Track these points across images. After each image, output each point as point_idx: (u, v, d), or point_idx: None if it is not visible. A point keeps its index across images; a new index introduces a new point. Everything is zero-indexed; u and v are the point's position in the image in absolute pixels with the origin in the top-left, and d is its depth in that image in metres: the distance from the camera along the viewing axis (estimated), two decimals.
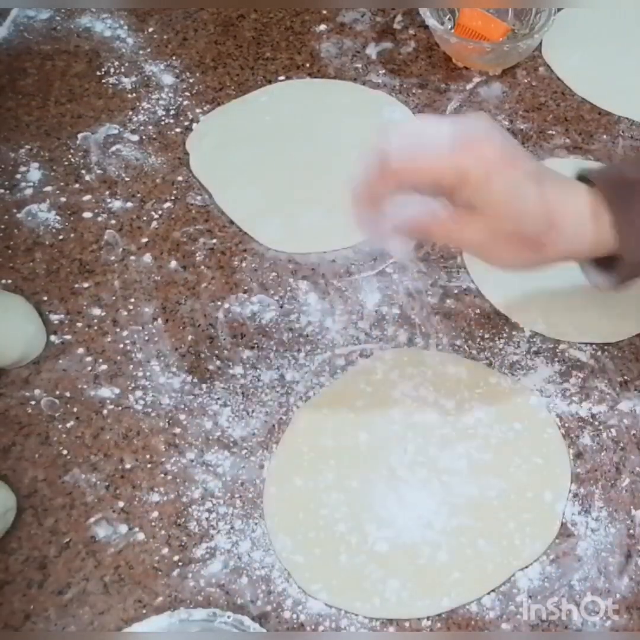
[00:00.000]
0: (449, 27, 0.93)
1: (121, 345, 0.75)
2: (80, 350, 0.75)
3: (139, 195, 0.85)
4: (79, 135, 0.89)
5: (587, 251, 0.60)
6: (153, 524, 0.67)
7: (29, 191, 0.85)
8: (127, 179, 0.86)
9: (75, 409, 0.72)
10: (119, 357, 0.75)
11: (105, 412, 0.72)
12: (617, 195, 0.58)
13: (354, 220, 0.60)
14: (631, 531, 0.66)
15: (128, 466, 0.69)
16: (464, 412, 0.70)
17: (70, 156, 0.87)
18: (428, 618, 0.62)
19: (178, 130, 0.89)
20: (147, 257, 0.81)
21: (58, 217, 0.83)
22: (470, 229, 0.58)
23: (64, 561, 0.65)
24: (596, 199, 0.58)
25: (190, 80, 0.93)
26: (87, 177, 0.86)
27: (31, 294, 0.78)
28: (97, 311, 0.77)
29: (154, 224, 0.83)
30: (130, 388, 0.73)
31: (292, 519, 0.66)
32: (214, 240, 0.82)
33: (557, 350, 0.74)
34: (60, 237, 0.82)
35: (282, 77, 0.93)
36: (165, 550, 0.65)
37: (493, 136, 0.56)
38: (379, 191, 0.58)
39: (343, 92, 0.92)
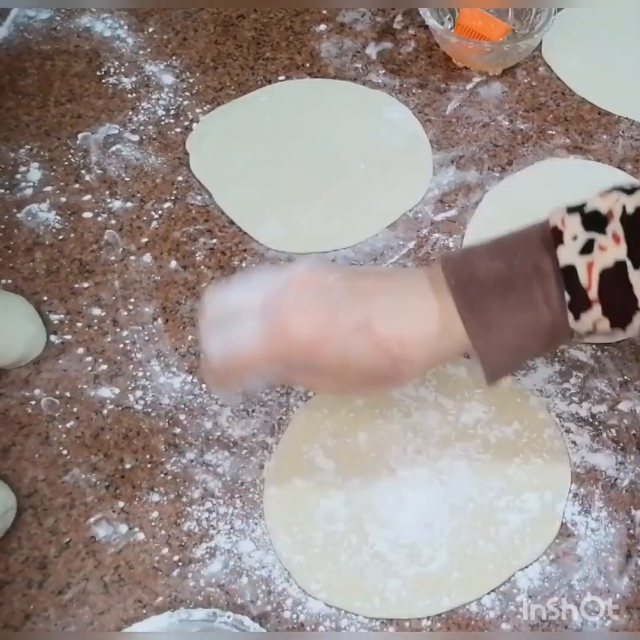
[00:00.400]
0: (449, 27, 0.93)
1: (121, 345, 0.75)
2: (80, 350, 0.75)
3: (139, 195, 0.85)
4: (79, 135, 0.89)
5: (446, 361, 0.59)
6: (153, 524, 0.67)
7: (29, 191, 0.85)
8: (127, 179, 0.86)
9: (75, 409, 0.72)
10: (119, 357, 0.75)
11: (105, 412, 0.72)
12: (466, 302, 0.54)
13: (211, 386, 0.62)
14: (631, 531, 0.66)
15: (128, 466, 0.69)
16: (464, 412, 0.70)
17: (70, 156, 0.87)
18: (428, 618, 0.62)
19: (178, 130, 0.89)
20: (147, 257, 0.81)
21: (58, 217, 0.83)
22: (322, 383, 0.58)
23: (64, 561, 0.65)
24: (443, 312, 0.55)
25: (190, 80, 0.93)
26: (87, 177, 0.86)
27: (31, 294, 0.78)
28: (97, 311, 0.77)
29: (154, 224, 0.83)
30: (130, 388, 0.73)
31: (292, 519, 0.66)
32: (214, 240, 0.82)
33: (557, 350, 0.74)
34: (60, 237, 0.82)
35: (282, 77, 0.93)
36: (165, 550, 0.65)
37: (304, 301, 0.54)
38: (219, 378, 0.59)
39: (343, 92, 0.92)
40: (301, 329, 0.53)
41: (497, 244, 0.58)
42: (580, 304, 0.53)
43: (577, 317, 0.54)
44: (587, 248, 0.53)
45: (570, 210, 0.55)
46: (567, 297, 0.53)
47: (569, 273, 0.53)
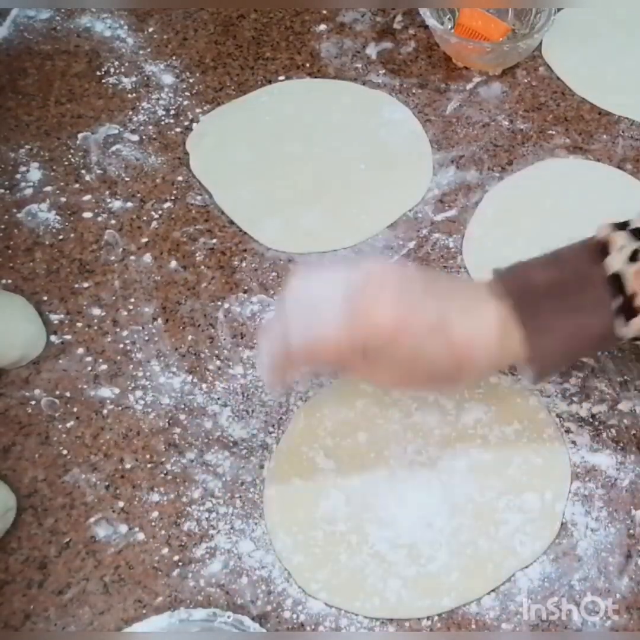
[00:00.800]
0: (449, 27, 0.93)
1: (121, 345, 0.75)
2: (80, 350, 0.75)
3: (139, 195, 0.85)
4: (79, 135, 0.89)
5: (501, 367, 0.61)
6: (153, 524, 0.67)
7: (29, 191, 0.85)
8: (127, 179, 0.86)
9: (75, 409, 0.72)
10: (119, 357, 0.75)
11: (105, 412, 0.72)
12: (523, 307, 0.57)
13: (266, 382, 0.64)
14: (631, 531, 0.65)
15: (128, 466, 0.69)
16: (464, 412, 0.70)
17: (70, 156, 0.87)
18: (428, 618, 0.62)
19: (178, 130, 0.89)
20: (147, 257, 0.81)
21: (58, 217, 0.83)
22: (382, 372, 0.58)
23: (64, 561, 0.65)
24: (504, 316, 0.57)
25: (190, 80, 0.93)
26: (87, 177, 0.86)
27: (31, 294, 0.78)
28: (97, 311, 0.77)
29: (154, 224, 0.83)
30: (130, 388, 0.73)
31: (292, 519, 0.66)
32: (214, 240, 0.82)
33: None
34: (60, 237, 0.82)
35: (282, 77, 0.93)
36: (165, 550, 0.65)
37: (386, 292, 0.55)
38: (288, 366, 0.59)
39: (343, 92, 0.92)
40: (384, 317, 0.55)
41: (548, 256, 0.60)
42: (627, 310, 0.55)
43: (626, 322, 0.56)
44: (634, 257, 0.56)
45: (616, 226, 0.58)
46: (615, 303, 0.55)
47: (617, 281, 0.56)
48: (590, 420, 0.70)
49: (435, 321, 0.56)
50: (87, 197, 0.84)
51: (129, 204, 0.84)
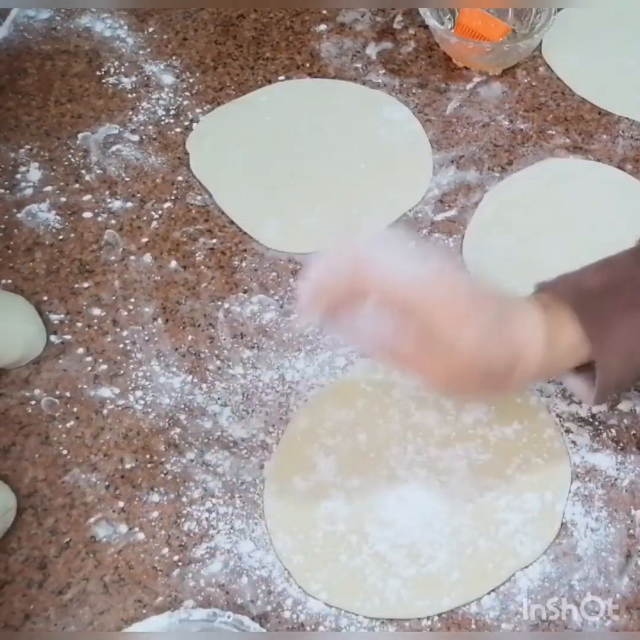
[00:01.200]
0: (449, 27, 0.93)
1: (121, 345, 0.75)
2: (80, 350, 0.75)
3: (139, 195, 0.85)
4: (79, 135, 0.89)
5: (551, 374, 0.58)
6: (153, 524, 0.67)
7: (29, 191, 0.85)
8: (127, 179, 0.86)
9: (75, 409, 0.72)
10: (119, 357, 0.75)
11: (105, 412, 0.72)
12: (581, 306, 0.56)
13: (303, 309, 0.55)
14: (631, 531, 0.66)
15: (128, 466, 0.69)
16: (464, 412, 0.70)
17: (70, 156, 0.87)
18: (428, 618, 0.62)
19: (178, 130, 0.89)
20: (147, 257, 0.81)
21: (58, 217, 0.83)
22: (436, 364, 0.54)
23: (64, 561, 0.65)
24: (552, 318, 0.56)
25: (190, 80, 0.93)
26: (87, 177, 0.86)
27: (31, 294, 0.78)
28: (97, 311, 0.77)
29: (154, 224, 0.83)
30: (130, 388, 0.73)
31: (292, 518, 0.66)
32: (214, 240, 0.82)
33: None
34: (60, 237, 0.82)
35: (282, 77, 0.93)
36: (165, 550, 0.65)
37: (462, 277, 0.55)
38: (344, 293, 0.53)
39: (343, 92, 0.92)
40: (462, 292, 0.53)
41: (594, 264, 0.58)
42: None
43: None
44: None
45: None
46: None
47: None
48: (590, 420, 0.71)
49: (500, 313, 0.55)
50: (87, 197, 0.84)
51: (129, 204, 0.84)
